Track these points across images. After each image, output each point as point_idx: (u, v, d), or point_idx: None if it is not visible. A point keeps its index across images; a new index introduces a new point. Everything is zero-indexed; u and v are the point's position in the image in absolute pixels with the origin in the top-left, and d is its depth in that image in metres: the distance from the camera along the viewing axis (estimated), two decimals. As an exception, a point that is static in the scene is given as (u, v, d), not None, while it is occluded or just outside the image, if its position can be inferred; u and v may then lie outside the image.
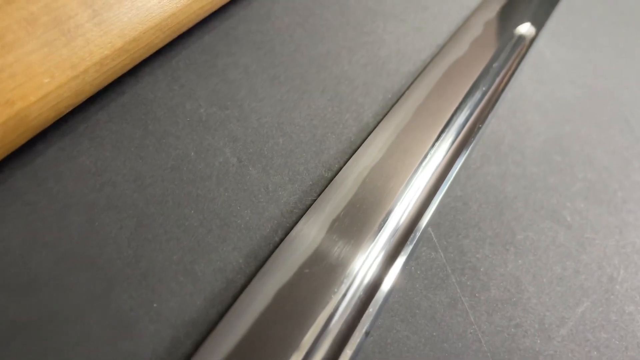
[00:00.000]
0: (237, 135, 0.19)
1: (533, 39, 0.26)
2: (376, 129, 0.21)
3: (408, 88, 0.22)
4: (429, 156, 0.20)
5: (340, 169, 0.19)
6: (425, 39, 0.25)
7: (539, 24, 0.27)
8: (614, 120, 0.26)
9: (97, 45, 0.15)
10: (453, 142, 0.21)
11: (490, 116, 0.23)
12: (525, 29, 0.26)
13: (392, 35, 0.24)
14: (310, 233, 0.17)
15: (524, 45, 0.26)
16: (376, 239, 0.17)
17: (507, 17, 0.26)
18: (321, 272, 0.16)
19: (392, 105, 0.22)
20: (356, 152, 0.19)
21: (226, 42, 0.20)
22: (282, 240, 0.17)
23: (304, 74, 0.21)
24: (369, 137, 0.20)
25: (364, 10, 0.24)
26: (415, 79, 0.23)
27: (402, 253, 0.17)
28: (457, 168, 0.21)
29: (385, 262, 0.17)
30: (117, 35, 0.15)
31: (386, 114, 0.21)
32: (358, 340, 0.15)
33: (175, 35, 0.18)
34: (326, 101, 0.21)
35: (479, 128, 0.22)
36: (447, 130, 0.21)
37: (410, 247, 0.17)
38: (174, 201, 0.17)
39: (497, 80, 0.24)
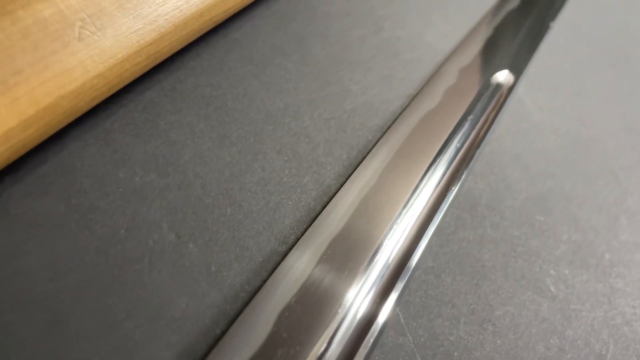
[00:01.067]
0: (177, 206, 0.17)
1: (512, 87, 0.24)
2: (338, 193, 0.19)
3: (375, 145, 0.20)
4: (396, 224, 0.18)
5: (298, 240, 0.17)
6: (395, 89, 0.23)
7: (517, 70, 0.25)
8: (600, 173, 0.24)
9: (1, 116, 0.13)
10: (424, 205, 0.19)
11: (465, 174, 0.21)
12: (503, 76, 0.25)
13: (359, 86, 0.22)
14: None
15: (502, 94, 0.24)
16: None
17: (483, 64, 0.25)
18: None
19: (357, 165, 0.20)
20: (313, 223, 0.17)
21: (171, 98, 0.18)
22: (223, 333, 0.15)
23: (259, 132, 0.19)
24: (330, 203, 0.18)
25: (329, 58, 0.22)
26: (383, 134, 0.21)
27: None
28: (429, 235, 0.19)
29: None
30: (27, 103, 0.13)
31: (350, 176, 0.19)
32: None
33: (105, 97, 0.16)
34: (283, 162, 0.19)
35: (454, 188, 0.20)
36: (417, 192, 0.19)
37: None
38: (97, 290, 0.15)
39: (473, 133, 0.22)
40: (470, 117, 0.22)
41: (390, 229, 0.18)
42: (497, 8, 0.28)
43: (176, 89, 0.19)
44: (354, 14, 0.25)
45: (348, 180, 0.19)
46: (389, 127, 0.21)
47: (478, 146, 0.22)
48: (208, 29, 0.20)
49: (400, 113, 0.22)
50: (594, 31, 0.31)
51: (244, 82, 0.20)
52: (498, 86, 0.24)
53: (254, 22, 0.22)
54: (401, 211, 0.18)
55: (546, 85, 0.27)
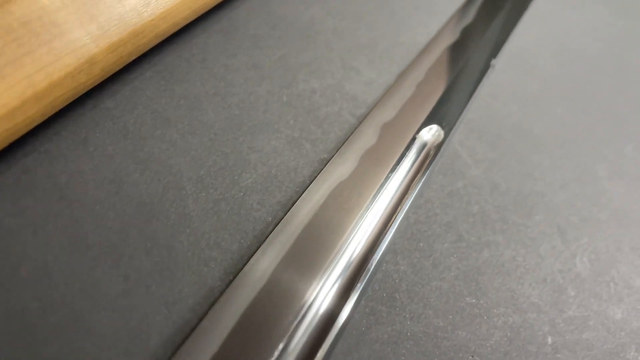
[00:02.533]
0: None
1: (442, 142, 0.22)
2: (223, 294, 0.15)
3: (274, 228, 0.17)
4: (294, 335, 0.15)
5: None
6: (305, 154, 0.20)
7: (450, 122, 0.22)
8: (545, 235, 0.21)
9: None
10: (328, 307, 0.16)
11: (383, 252, 0.18)
12: (432, 131, 0.22)
13: (260, 154, 0.19)
14: None
15: (431, 152, 0.21)
16: None
17: (410, 117, 0.22)
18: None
19: (250, 257, 0.17)
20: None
21: (13, 195, 0.15)
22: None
23: (125, 229, 0.16)
24: (208, 315, 0.15)
25: (225, 122, 0.19)
26: (287, 212, 0.18)
27: None
28: (331, 340, 0.16)
29: None
30: None
31: (238, 273, 0.16)
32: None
33: None
34: (152, 265, 0.16)
35: (367, 273, 0.17)
36: (324, 280, 0.16)
37: None
38: None
39: (394, 200, 0.19)
40: (392, 184, 0.19)
41: (288, 342, 0.15)
42: (430, 48, 0.26)
43: (21, 182, 0.16)
44: (261, 65, 0.22)
45: (238, 277, 0.16)
46: (294, 203, 0.18)
47: (399, 216, 0.19)
48: (73, 98, 0.17)
49: (309, 184, 0.19)
50: (542, 63, 0.29)
51: (114, 163, 0.17)
52: (426, 143, 0.21)
53: (133, 84, 0.19)
54: (302, 308, 0.15)
55: (487, 133, 0.24)
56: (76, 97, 0.17)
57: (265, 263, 0.16)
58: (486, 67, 0.26)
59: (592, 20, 0.33)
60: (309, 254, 0.17)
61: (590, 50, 0.31)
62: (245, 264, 0.16)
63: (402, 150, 0.20)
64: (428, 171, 0.20)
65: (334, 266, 0.17)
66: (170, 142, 0.18)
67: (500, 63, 0.27)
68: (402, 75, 0.24)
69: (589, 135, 0.26)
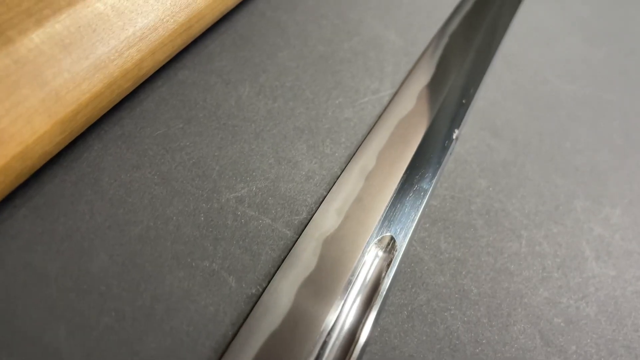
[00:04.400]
0: None
1: (397, 256, 0.18)
2: None
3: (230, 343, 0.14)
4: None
5: None
6: (227, 293, 0.16)
7: (406, 227, 0.19)
8: (525, 348, 0.18)
9: None
10: None
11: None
12: (383, 245, 0.18)
13: (167, 304, 0.15)
14: None
15: (383, 276, 0.17)
16: None
17: (355, 229, 0.18)
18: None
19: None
20: None
21: None
22: None
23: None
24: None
25: (123, 262, 0.15)
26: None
27: None
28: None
29: None
30: None
31: None
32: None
33: None
34: None
35: None
36: None
37: None
38: None
39: (339, 345, 0.15)
40: (336, 328, 0.16)
41: None
42: (382, 123, 0.22)
43: None
44: (172, 176, 0.18)
45: None
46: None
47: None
48: None
49: (230, 341, 0.15)
50: (512, 118, 0.25)
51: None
52: (377, 261, 0.18)
53: (-1, 234, 0.15)
54: None
55: (453, 223, 0.20)
56: None
57: None
58: (448, 140, 0.22)
59: (567, 56, 0.30)
60: None
61: (565, 95, 0.27)
62: None
63: (347, 277, 0.17)
64: (381, 298, 0.17)
65: None
66: (45, 306, 0.14)
67: (465, 127, 0.24)
68: (348, 165, 0.20)
69: (569, 205, 0.22)
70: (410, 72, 0.25)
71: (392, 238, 0.18)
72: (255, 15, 0.24)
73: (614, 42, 0.32)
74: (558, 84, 0.28)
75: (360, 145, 0.21)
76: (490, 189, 0.22)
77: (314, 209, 0.19)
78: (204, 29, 0.21)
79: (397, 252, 0.18)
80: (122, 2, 0.17)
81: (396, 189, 0.20)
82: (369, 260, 0.17)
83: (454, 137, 0.22)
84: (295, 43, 0.24)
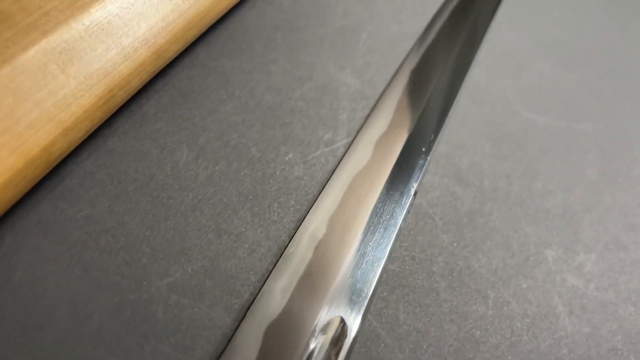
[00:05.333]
0: None
1: (351, 338, 0.16)
2: None
3: None
4: None
5: None
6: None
7: (359, 305, 0.17)
8: None
9: None
10: None
11: None
12: (333, 328, 0.16)
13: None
14: None
15: (338, 350, 0.16)
16: None
17: (301, 312, 0.17)
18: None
19: None
20: None
21: None
22: None
23: None
24: None
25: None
26: None
27: None
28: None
29: None
30: None
31: None
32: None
33: None
34: None
35: None
36: None
37: None
38: None
39: None
40: None
41: None
42: (333, 183, 0.20)
43: None
44: (89, 281, 0.16)
45: None
46: None
47: None
48: None
49: None
50: (478, 161, 0.24)
51: None
52: (324, 346, 0.16)
53: None
54: None
55: (413, 289, 0.19)
56: None
57: None
58: (407, 197, 0.20)
59: (538, 84, 0.29)
60: None
61: (536, 129, 0.26)
62: None
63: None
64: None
65: None
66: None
67: (427, 176, 0.22)
68: (296, 233, 0.19)
69: (540, 255, 0.21)
70: (367, 118, 0.23)
71: (342, 320, 0.16)
72: (196, 66, 0.23)
73: (588, 64, 0.31)
74: (528, 117, 0.27)
75: (310, 209, 0.20)
76: (454, 244, 0.21)
77: (258, 288, 0.17)
78: (130, 96, 0.19)
79: (347, 337, 0.16)
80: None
81: (349, 260, 0.18)
82: (317, 349, 0.16)
83: (413, 192, 0.20)
84: (240, 95, 0.22)
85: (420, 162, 0.21)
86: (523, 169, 0.24)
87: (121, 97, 0.18)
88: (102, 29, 0.17)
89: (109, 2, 0.17)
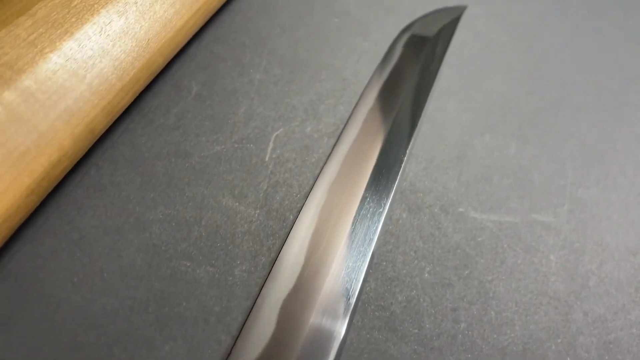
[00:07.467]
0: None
1: None
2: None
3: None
4: None
5: None
6: None
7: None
8: None
9: None
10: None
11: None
12: None
13: None
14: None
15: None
16: None
17: None
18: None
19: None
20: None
21: None
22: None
23: None
24: None
25: None
26: None
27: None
28: None
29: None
30: None
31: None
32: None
33: None
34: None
35: None
36: None
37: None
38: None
39: None
40: None
41: None
42: (284, 260, 0.16)
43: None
44: None
45: None
46: None
47: None
48: None
49: None
50: (414, 309, 0.19)
51: None
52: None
53: None
54: None
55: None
56: None
57: None
58: (365, 264, 0.17)
59: (494, 146, 0.24)
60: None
61: (488, 230, 0.21)
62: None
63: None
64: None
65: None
66: None
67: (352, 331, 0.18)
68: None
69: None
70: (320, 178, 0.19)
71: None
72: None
73: (530, 133, 0.27)
74: (477, 217, 0.22)
75: (265, 285, 0.16)
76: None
77: None
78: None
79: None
80: None
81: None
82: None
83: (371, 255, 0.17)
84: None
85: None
86: (473, 296, 0.20)
87: None
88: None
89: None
